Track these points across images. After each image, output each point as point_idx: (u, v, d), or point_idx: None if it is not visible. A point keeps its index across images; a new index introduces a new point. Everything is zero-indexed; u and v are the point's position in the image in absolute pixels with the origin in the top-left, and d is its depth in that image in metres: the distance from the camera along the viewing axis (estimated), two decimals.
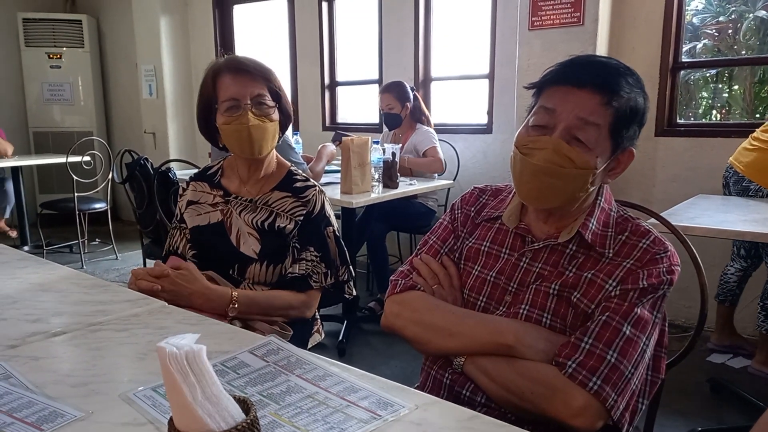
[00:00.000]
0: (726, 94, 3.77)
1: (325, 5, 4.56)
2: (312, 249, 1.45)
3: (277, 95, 1.47)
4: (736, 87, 3.65)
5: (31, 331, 1.01)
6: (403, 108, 3.50)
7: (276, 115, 1.46)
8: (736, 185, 2.52)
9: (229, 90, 1.42)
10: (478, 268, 1.06)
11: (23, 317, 1.08)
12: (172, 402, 0.49)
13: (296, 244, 1.44)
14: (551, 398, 0.87)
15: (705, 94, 3.83)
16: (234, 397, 0.51)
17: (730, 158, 2.55)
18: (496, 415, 0.82)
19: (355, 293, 1.56)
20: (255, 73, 1.43)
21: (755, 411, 2.23)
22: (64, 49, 5.70)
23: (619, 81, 0.94)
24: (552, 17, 3.09)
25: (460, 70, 4.09)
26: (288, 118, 1.53)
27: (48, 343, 0.97)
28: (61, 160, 4.37)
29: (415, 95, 3.56)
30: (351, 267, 1.54)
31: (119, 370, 0.88)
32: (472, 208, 1.14)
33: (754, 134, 2.48)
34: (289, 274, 1.43)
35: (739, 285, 2.67)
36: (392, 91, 3.50)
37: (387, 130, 3.70)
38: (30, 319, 1.08)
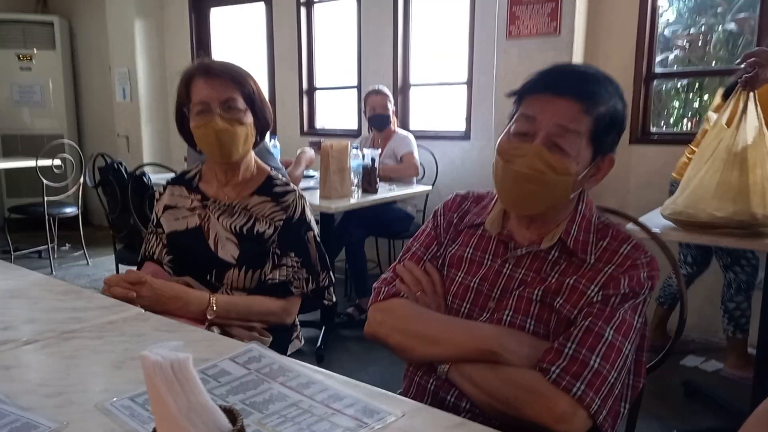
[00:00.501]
0: (696, 104, 3.87)
1: (303, 10, 4.54)
2: (292, 254, 1.43)
3: (250, 99, 1.45)
4: (706, 97, 3.75)
5: (1, 339, 0.98)
6: (395, 109, 3.60)
7: (248, 119, 1.44)
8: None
9: (200, 94, 1.41)
10: (462, 275, 1.06)
11: None
12: (157, 413, 0.47)
13: (276, 250, 1.43)
14: (535, 404, 0.87)
15: (676, 104, 3.92)
16: (220, 407, 0.50)
17: (673, 173, 2.65)
18: (481, 421, 0.81)
19: (334, 299, 1.54)
20: (225, 77, 1.41)
21: (729, 414, 2.28)
22: (35, 50, 5.57)
23: (598, 89, 0.95)
24: (529, 27, 3.14)
25: (438, 77, 4.11)
26: (265, 123, 1.51)
27: (20, 352, 0.94)
28: (31, 163, 4.25)
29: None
30: (331, 272, 1.52)
31: (95, 379, 0.86)
32: (455, 215, 1.14)
33: (690, 147, 2.57)
34: (269, 280, 1.41)
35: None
36: (384, 93, 3.56)
37: (364, 134, 3.71)
38: (0, 326, 1.04)
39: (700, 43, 3.69)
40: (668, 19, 3.51)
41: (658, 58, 3.32)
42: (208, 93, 1.40)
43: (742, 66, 1.80)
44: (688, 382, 2.51)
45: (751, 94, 1.75)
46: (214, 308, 1.33)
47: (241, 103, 1.42)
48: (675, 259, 1.21)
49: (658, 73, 3.28)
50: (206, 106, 1.40)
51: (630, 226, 1.34)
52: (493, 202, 1.11)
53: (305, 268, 1.44)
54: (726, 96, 2.57)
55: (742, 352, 2.59)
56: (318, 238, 1.49)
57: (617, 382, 0.89)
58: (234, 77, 1.42)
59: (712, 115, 2.27)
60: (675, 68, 3.54)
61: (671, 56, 3.60)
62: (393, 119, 3.59)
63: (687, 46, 3.63)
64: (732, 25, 3.41)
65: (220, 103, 1.40)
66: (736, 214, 1.64)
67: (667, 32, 3.49)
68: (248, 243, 1.43)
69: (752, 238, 1.70)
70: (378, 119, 3.53)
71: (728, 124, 1.76)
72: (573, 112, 0.94)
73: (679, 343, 1.15)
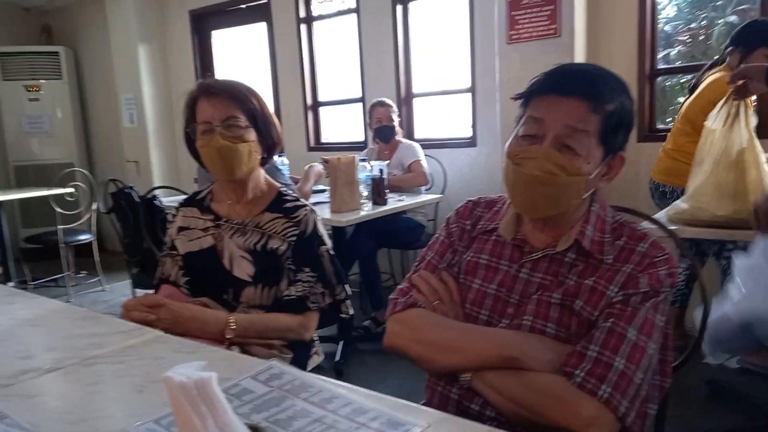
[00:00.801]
0: None
1: (303, 27, 4.59)
2: (307, 270, 1.43)
3: (252, 116, 1.45)
4: None
5: (23, 369, 0.98)
6: (399, 120, 3.62)
7: (250, 136, 1.44)
8: (656, 194, 2.77)
9: (204, 113, 1.43)
10: (479, 282, 1.05)
11: (14, 354, 1.05)
12: None
13: (291, 266, 1.43)
14: (561, 409, 0.86)
15: (681, 100, 3.90)
16: (246, 425, 0.50)
17: (653, 175, 2.78)
18: (507, 429, 0.80)
19: (351, 312, 1.54)
20: (224, 95, 1.42)
21: (757, 412, 2.24)
22: (42, 81, 5.65)
23: (604, 87, 0.95)
24: (529, 30, 3.14)
25: (441, 85, 4.13)
26: (273, 140, 1.51)
27: (42, 381, 0.94)
28: (44, 192, 4.30)
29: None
30: (347, 285, 1.52)
31: (118, 404, 0.86)
32: (467, 222, 1.13)
33: (664, 148, 2.75)
34: (286, 297, 1.41)
35: (687, 285, 2.75)
36: (388, 104, 3.59)
37: (371, 146, 3.72)
38: (21, 356, 1.04)
39: (701, 38, 3.67)
40: (668, 15, 3.50)
41: (660, 55, 3.32)
42: (210, 112, 1.41)
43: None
44: (712, 380, 2.47)
45: (743, 101, 1.80)
46: (233, 327, 1.33)
47: (242, 121, 1.43)
48: (692, 255, 1.20)
49: (661, 69, 3.27)
50: (209, 126, 1.42)
51: (645, 224, 1.33)
52: (505, 206, 1.10)
53: (321, 282, 1.44)
54: (691, 92, 2.65)
55: (678, 321, 2.69)
56: (331, 252, 1.49)
57: (643, 383, 0.88)
58: (234, 95, 1.43)
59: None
60: (678, 64, 3.52)
61: (673, 52, 3.59)
62: (398, 130, 3.60)
63: (689, 41, 3.62)
64: (733, 18, 3.39)
65: (221, 122, 1.41)
66: (736, 212, 1.72)
67: (668, 28, 3.48)
68: (263, 260, 1.43)
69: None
70: (384, 131, 3.55)
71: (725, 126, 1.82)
72: (581, 111, 0.93)
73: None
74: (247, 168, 1.45)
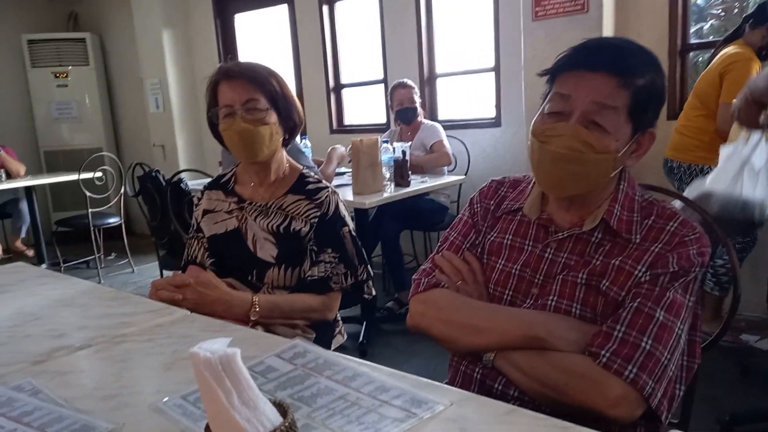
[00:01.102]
0: None
1: (326, 8, 4.55)
2: (329, 250, 1.43)
3: (272, 98, 1.44)
4: None
5: (55, 347, 1.01)
6: (421, 101, 3.59)
7: (271, 119, 1.44)
8: (665, 170, 2.79)
9: (225, 97, 1.43)
10: (503, 262, 1.04)
11: (47, 333, 1.08)
12: (208, 408, 0.48)
13: (313, 247, 1.43)
14: (587, 389, 0.85)
15: None
16: (270, 401, 0.50)
17: (669, 153, 2.80)
18: (531, 408, 0.80)
19: (374, 292, 1.55)
20: (244, 77, 1.42)
21: None
22: (70, 67, 5.75)
23: (634, 61, 0.92)
24: (555, 6, 3.06)
25: (464, 65, 4.07)
26: (295, 122, 1.51)
27: (74, 358, 0.97)
28: (73, 177, 4.40)
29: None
30: (369, 266, 1.52)
31: (147, 380, 0.88)
32: (492, 202, 1.12)
33: (680, 122, 2.77)
34: (309, 277, 1.42)
35: (727, 273, 2.67)
36: (411, 86, 3.55)
37: (392, 128, 3.70)
38: (54, 334, 1.07)
39: (735, 11, 3.55)
40: None
41: (692, 29, 3.21)
42: (231, 96, 1.42)
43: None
44: (742, 362, 2.42)
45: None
46: (257, 309, 1.34)
47: (262, 104, 1.43)
48: (724, 235, 1.17)
49: (693, 44, 3.16)
50: (230, 109, 1.42)
51: (676, 203, 1.29)
52: (530, 186, 1.09)
53: (343, 263, 1.44)
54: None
55: (714, 307, 2.67)
56: (353, 233, 1.50)
57: (671, 364, 0.86)
58: (254, 77, 1.42)
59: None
60: (711, 38, 3.41)
61: (706, 26, 3.47)
62: (420, 111, 3.57)
63: (722, 15, 3.50)
64: None
65: (241, 105, 1.41)
66: None
67: (700, 1, 3.37)
68: (286, 241, 1.44)
69: None
70: (405, 112, 3.53)
71: None
72: (609, 87, 0.91)
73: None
74: (268, 150, 1.46)
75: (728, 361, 2.46)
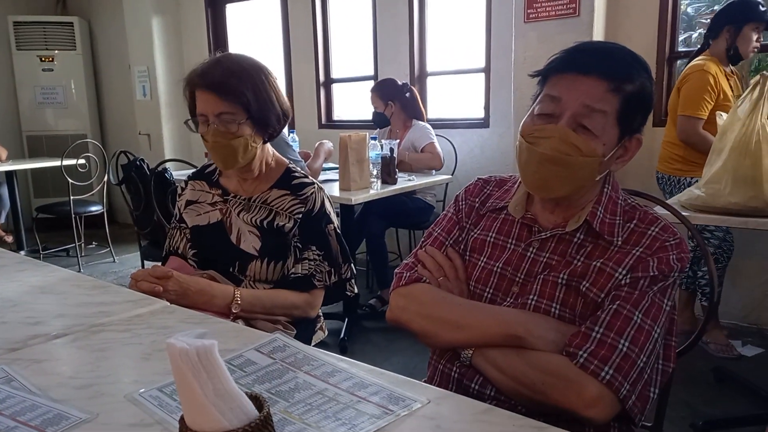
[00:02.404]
0: None
1: (318, 2, 4.53)
2: (314, 248, 1.43)
3: (248, 109, 1.37)
4: None
5: (32, 334, 0.99)
6: (386, 107, 3.50)
7: (245, 131, 1.38)
8: (661, 187, 2.85)
9: (200, 106, 1.39)
10: (485, 260, 1.05)
11: (24, 320, 1.07)
12: (184, 400, 0.47)
13: (297, 244, 1.43)
14: (563, 389, 0.85)
15: None
16: (246, 394, 0.50)
17: (659, 168, 2.87)
18: (506, 408, 0.80)
19: (356, 291, 1.54)
20: (220, 90, 1.35)
21: (761, 399, 2.23)
22: (56, 51, 5.66)
23: (626, 67, 0.93)
24: (548, 8, 3.08)
25: (455, 65, 4.08)
26: (274, 127, 1.45)
27: (50, 346, 0.95)
28: (56, 163, 4.33)
29: (410, 91, 3.54)
30: (352, 264, 1.52)
31: (124, 371, 0.87)
32: (477, 199, 1.12)
33: (666, 140, 2.84)
34: (292, 274, 1.41)
35: (691, 268, 2.77)
36: (375, 90, 3.53)
37: (380, 128, 3.70)
38: (30, 321, 1.06)
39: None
40: None
41: (681, 38, 3.24)
42: (204, 106, 1.38)
43: None
44: (717, 367, 2.46)
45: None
46: (239, 302, 1.34)
47: (237, 116, 1.37)
48: (703, 242, 1.18)
49: (680, 53, 3.20)
50: (205, 118, 1.39)
51: (657, 208, 1.31)
52: (516, 185, 1.09)
53: (327, 261, 1.44)
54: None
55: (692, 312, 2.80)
56: (338, 230, 1.49)
57: (646, 367, 0.88)
58: (227, 90, 1.35)
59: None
60: (698, 47, 3.45)
61: (695, 35, 3.51)
62: (393, 114, 3.51)
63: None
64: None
65: (215, 117, 1.37)
66: (751, 199, 1.73)
67: (690, 10, 3.41)
68: (270, 235, 1.43)
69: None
70: (373, 117, 3.55)
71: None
72: (599, 91, 0.91)
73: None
74: (244, 160, 1.42)
75: (705, 366, 2.50)
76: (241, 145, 1.39)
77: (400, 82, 3.55)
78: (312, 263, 1.42)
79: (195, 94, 1.41)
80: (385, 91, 3.50)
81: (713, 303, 1.13)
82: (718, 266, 2.61)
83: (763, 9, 2.57)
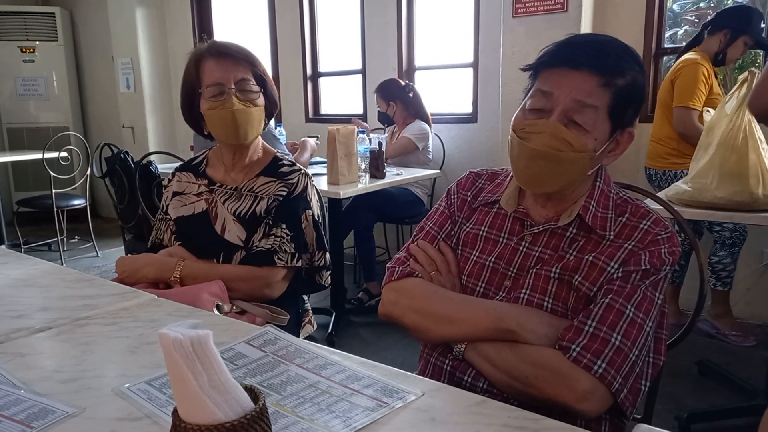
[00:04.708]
0: None
1: None
2: (284, 226, 1.40)
3: (261, 80, 1.43)
4: None
5: (15, 327, 0.97)
6: (388, 106, 3.57)
7: (261, 101, 1.43)
8: (646, 178, 2.90)
9: (213, 75, 1.38)
10: (477, 254, 1.04)
11: (6, 313, 1.04)
12: (177, 391, 0.46)
13: (269, 220, 1.41)
14: (556, 383, 0.85)
15: None
16: (242, 386, 0.49)
17: (648, 163, 2.90)
18: (499, 401, 0.80)
19: (329, 281, 1.52)
20: (238, 56, 1.39)
21: (744, 391, 2.26)
22: (38, 42, 5.55)
23: (617, 61, 0.92)
24: (536, 3, 3.08)
25: (443, 59, 4.07)
26: (274, 105, 1.49)
27: (34, 339, 0.93)
28: (37, 156, 4.25)
29: (413, 92, 3.56)
30: (328, 254, 1.50)
31: (110, 364, 0.85)
32: (469, 193, 1.12)
33: (654, 135, 2.87)
34: (255, 248, 1.39)
35: (679, 261, 2.77)
36: (378, 91, 3.60)
37: (387, 126, 3.72)
38: (13, 315, 1.03)
39: (708, 18, 3.63)
40: None
41: (667, 34, 3.27)
42: (222, 74, 1.37)
43: None
44: (701, 360, 2.49)
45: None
46: (179, 269, 1.36)
47: (254, 84, 1.41)
48: (693, 235, 1.19)
49: (667, 49, 3.23)
50: (221, 88, 1.37)
51: (648, 202, 1.31)
52: (507, 178, 1.09)
53: (294, 243, 1.40)
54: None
55: (722, 302, 2.76)
56: (317, 219, 1.47)
57: (638, 360, 0.88)
58: (245, 57, 1.40)
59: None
60: (684, 44, 3.48)
61: (680, 32, 3.54)
62: (395, 113, 3.57)
63: (696, 21, 3.57)
64: None
65: (235, 84, 1.37)
66: (736, 194, 1.75)
67: (676, 7, 3.43)
68: (253, 226, 1.42)
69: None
70: (379, 116, 3.65)
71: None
72: (591, 86, 0.91)
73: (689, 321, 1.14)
74: (257, 132, 1.45)
75: (689, 358, 2.53)
76: (258, 115, 1.41)
77: (402, 83, 3.60)
78: (277, 240, 1.38)
79: (202, 67, 1.40)
80: (386, 91, 3.57)
81: (702, 295, 1.13)
82: (735, 249, 2.67)
83: (762, 26, 2.59)
